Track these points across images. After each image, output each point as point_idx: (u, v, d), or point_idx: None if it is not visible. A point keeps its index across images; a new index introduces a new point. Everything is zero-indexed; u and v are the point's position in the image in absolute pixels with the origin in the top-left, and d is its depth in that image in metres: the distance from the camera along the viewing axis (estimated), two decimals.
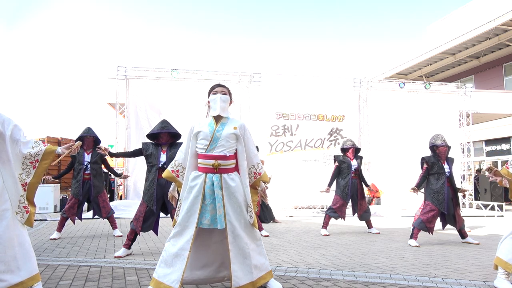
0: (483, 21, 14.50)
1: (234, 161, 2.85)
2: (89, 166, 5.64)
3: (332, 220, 6.22)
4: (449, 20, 18.66)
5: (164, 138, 4.37)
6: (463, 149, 11.38)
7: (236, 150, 2.86)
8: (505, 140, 16.27)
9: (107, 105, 12.03)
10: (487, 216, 9.31)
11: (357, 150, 6.39)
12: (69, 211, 5.51)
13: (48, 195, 9.52)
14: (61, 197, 10.02)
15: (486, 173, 3.42)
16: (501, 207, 10.03)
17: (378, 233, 6.15)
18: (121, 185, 11.31)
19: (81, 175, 5.57)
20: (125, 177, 6.45)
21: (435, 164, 5.20)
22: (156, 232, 4.46)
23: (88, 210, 6.80)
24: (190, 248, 2.62)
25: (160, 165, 4.25)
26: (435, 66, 18.72)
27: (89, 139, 5.72)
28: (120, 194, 11.15)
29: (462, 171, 11.33)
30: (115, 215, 5.94)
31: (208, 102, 2.96)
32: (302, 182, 9.89)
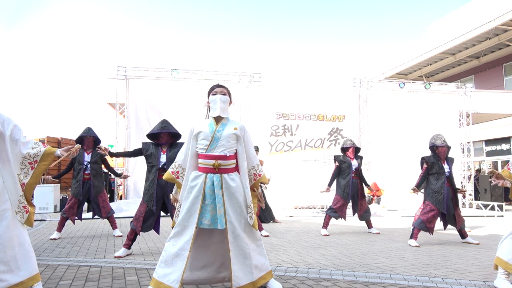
0: (483, 21, 14.50)
1: (234, 161, 2.84)
2: (89, 166, 5.64)
3: (332, 220, 6.22)
4: (449, 20, 18.66)
5: (164, 138, 4.37)
6: (463, 149, 11.38)
7: (236, 151, 2.86)
8: (505, 140, 16.27)
9: (107, 105, 12.03)
10: (487, 216, 9.31)
11: (357, 149, 6.39)
12: (69, 211, 5.51)
13: (48, 195, 9.52)
14: (61, 197, 10.03)
15: (492, 180, 3.41)
16: (501, 207, 10.03)
17: (378, 233, 6.15)
18: (121, 185, 11.32)
19: (81, 175, 5.57)
20: (125, 177, 6.45)
21: (435, 164, 5.20)
22: (157, 231, 4.46)
23: (88, 211, 6.79)
24: (190, 248, 2.62)
25: (160, 166, 4.25)
26: (435, 66, 18.72)
27: (89, 139, 5.72)
28: (120, 194, 11.15)
29: (462, 171, 11.33)
30: (118, 215, 5.94)
31: (208, 102, 2.96)
32: (302, 182, 9.89)
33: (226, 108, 2.90)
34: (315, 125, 10.47)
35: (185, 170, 2.84)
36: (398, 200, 9.94)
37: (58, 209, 9.66)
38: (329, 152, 10.29)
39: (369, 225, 6.31)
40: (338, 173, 6.25)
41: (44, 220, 7.93)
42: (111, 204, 6.53)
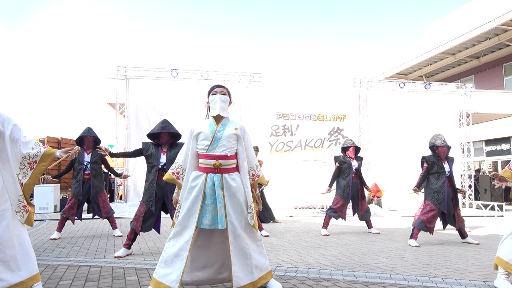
0: (483, 21, 14.50)
1: (235, 161, 2.84)
2: (89, 166, 5.64)
3: (332, 220, 6.22)
4: (449, 20, 18.66)
5: (165, 138, 4.37)
6: (463, 149, 11.38)
7: (236, 151, 2.86)
8: (505, 140, 16.27)
9: (107, 105, 12.03)
10: (487, 216, 9.31)
11: (357, 149, 6.39)
12: (69, 211, 5.51)
13: (48, 195, 9.52)
14: (61, 197, 10.02)
15: (495, 182, 3.41)
16: (501, 207, 10.03)
17: (378, 233, 6.15)
18: (121, 185, 11.32)
19: (81, 175, 5.57)
20: (125, 177, 6.45)
21: (435, 164, 5.20)
22: (158, 231, 4.46)
23: (88, 211, 6.79)
24: (190, 248, 2.62)
25: (160, 166, 4.25)
26: (435, 66, 18.72)
27: (89, 139, 5.71)
28: (120, 194, 11.15)
29: (462, 171, 11.33)
30: (122, 216, 5.93)
31: (208, 102, 2.96)
32: (302, 182, 9.89)
33: (226, 107, 2.90)
34: (315, 125, 10.47)
35: (185, 171, 2.84)
36: (398, 200, 9.94)
37: (58, 209, 9.66)
38: (329, 152, 10.29)
39: (369, 225, 6.31)
40: (338, 174, 6.25)
41: (45, 220, 7.93)
42: (111, 204, 6.53)
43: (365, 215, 6.25)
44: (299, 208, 10.15)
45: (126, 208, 8.86)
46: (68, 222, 6.01)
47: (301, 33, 76.27)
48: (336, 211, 6.05)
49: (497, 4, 14.49)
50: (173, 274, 2.57)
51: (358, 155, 6.43)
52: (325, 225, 6.13)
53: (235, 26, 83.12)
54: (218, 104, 2.85)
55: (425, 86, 11.11)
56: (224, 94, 2.92)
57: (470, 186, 11.40)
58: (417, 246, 4.94)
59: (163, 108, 9.84)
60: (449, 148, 5.29)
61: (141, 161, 7.73)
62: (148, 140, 4.47)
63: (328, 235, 5.93)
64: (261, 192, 7.71)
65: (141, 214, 4.19)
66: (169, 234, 2.75)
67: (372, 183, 9.49)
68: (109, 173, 6.70)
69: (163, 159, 4.27)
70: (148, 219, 4.23)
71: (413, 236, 5.11)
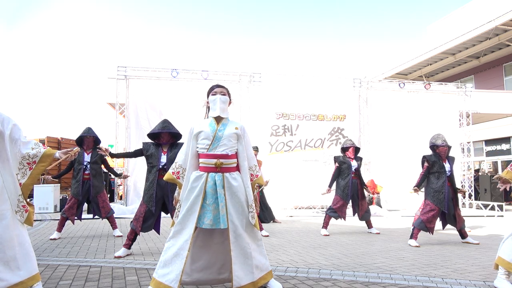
0: (483, 21, 14.50)
1: (235, 160, 2.85)
2: (88, 166, 5.64)
3: (332, 220, 6.22)
4: (449, 20, 18.66)
5: (165, 138, 4.37)
6: (463, 149, 11.38)
7: (237, 150, 2.86)
8: (505, 140, 16.28)
9: (107, 105, 12.02)
10: (487, 216, 9.31)
11: (357, 149, 6.40)
12: (69, 211, 5.51)
13: (48, 195, 9.52)
14: (61, 197, 10.02)
15: (499, 186, 3.41)
16: (501, 207, 10.03)
17: (378, 233, 6.15)
18: (121, 185, 11.32)
19: (80, 175, 5.57)
20: (125, 177, 6.45)
21: (436, 163, 5.20)
22: (158, 231, 4.46)
23: (88, 211, 6.80)
24: (189, 248, 2.62)
25: (160, 166, 4.25)
26: (435, 66, 18.72)
27: (89, 139, 5.71)
28: (120, 194, 11.15)
29: (462, 171, 11.33)
30: (122, 216, 5.93)
31: (207, 102, 2.96)
32: (302, 182, 9.88)
33: (225, 108, 2.90)
34: (315, 125, 10.47)
35: (186, 170, 2.84)
36: (398, 200, 9.94)
37: (58, 209, 9.66)
38: (329, 152, 10.29)
39: (369, 225, 6.31)
40: (338, 174, 6.25)
41: (44, 220, 7.93)
42: (111, 204, 6.52)
43: (365, 215, 6.25)
44: (299, 208, 10.15)
45: (126, 211, 8.84)
46: (68, 222, 6.01)
47: (301, 33, 76.29)
48: (336, 211, 6.05)
49: (497, 4, 14.49)
50: (172, 273, 2.57)
51: (358, 155, 6.43)
52: (325, 225, 6.13)
53: (235, 26, 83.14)
54: (218, 105, 2.85)
55: (425, 86, 11.11)
56: (224, 95, 2.92)
57: (470, 186, 11.40)
58: (417, 246, 4.94)
59: (163, 108, 9.83)
60: (449, 147, 5.29)
61: (141, 161, 7.73)
62: (149, 140, 4.47)
63: (328, 235, 5.93)
64: (261, 192, 7.71)
65: (141, 214, 4.19)
66: (169, 234, 2.75)
67: (369, 179, 9.49)
68: (109, 173, 6.70)
69: (163, 159, 4.27)
70: (148, 219, 4.23)
71: (413, 236, 5.11)
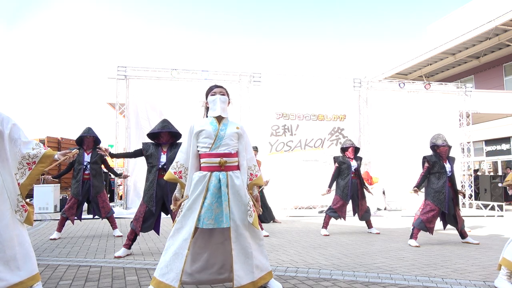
0: (483, 21, 14.51)
1: (237, 159, 2.85)
2: (88, 166, 5.64)
3: (332, 220, 6.22)
4: (449, 20, 18.67)
5: (165, 137, 4.37)
6: (463, 149, 11.38)
7: (237, 150, 2.86)
8: (505, 140, 16.28)
9: (107, 105, 12.02)
10: (487, 216, 9.31)
11: (356, 149, 6.40)
12: (69, 211, 5.51)
13: (48, 195, 9.52)
14: (61, 197, 10.03)
15: (509, 191, 3.41)
16: (501, 207, 10.04)
17: (378, 233, 6.15)
18: (121, 185, 11.32)
19: (80, 175, 5.57)
20: (125, 177, 6.45)
21: (437, 163, 5.20)
22: (157, 231, 4.46)
23: (88, 212, 6.80)
24: (189, 247, 2.62)
25: (160, 166, 4.25)
26: (435, 66, 18.73)
27: (89, 139, 5.71)
28: (120, 194, 11.15)
29: (462, 171, 11.33)
30: (122, 216, 5.92)
31: (206, 103, 2.96)
32: (302, 182, 9.88)
33: (225, 108, 2.90)
34: (315, 125, 10.47)
35: (188, 170, 2.81)
36: (398, 200, 9.94)
37: (58, 209, 9.66)
38: (329, 152, 10.29)
39: (369, 225, 6.31)
40: (337, 174, 6.25)
41: (44, 220, 7.93)
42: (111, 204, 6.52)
43: (365, 215, 6.25)
44: (299, 208, 10.15)
45: (125, 213, 8.84)
46: (68, 222, 6.01)
47: (301, 33, 76.29)
48: (336, 211, 6.05)
49: (497, 4, 14.49)
50: (173, 272, 2.57)
51: (357, 155, 6.43)
52: (325, 225, 6.13)
53: (235, 26, 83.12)
54: (218, 105, 2.85)
55: (425, 86, 11.11)
56: (223, 94, 2.92)
57: (470, 186, 11.40)
58: (417, 246, 4.94)
59: (163, 108, 9.83)
60: (450, 147, 5.29)
61: (141, 161, 7.73)
62: (148, 140, 4.47)
63: (328, 235, 5.93)
64: (261, 192, 7.71)
65: (141, 214, 4.19)
66: (169, 234, 2.75)
67: (364, 171, 9.44)
68: (109, 173, 6.70)
69: (163, 158, 4.27)
70: (148, 220, 4.23)
71: (413, 236, 5.11)
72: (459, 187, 7.62)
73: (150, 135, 4.40)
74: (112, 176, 7.50)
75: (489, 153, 17.31)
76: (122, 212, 8.84)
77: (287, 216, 8.95)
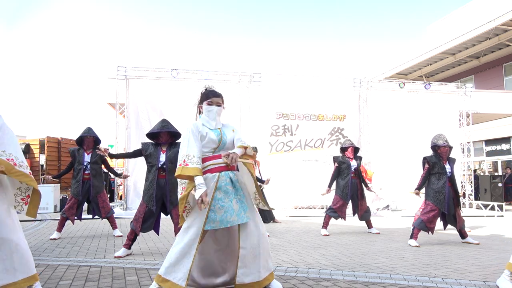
0: (483, 21, 14.51)
1: None
2: (88, 166, 5.64)
3: (332, 220, 6.22)
4: (449, 20, 18.67)
5: (164, 137, 4.37)
6: (463, 149, 11.38)
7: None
8: (505, 140, 16.28)
9: (107, 105, 12.03)
10: (487, 216, 9.31)
11: (356, 149, 6.40)
12: (69, 211, 5.51)
13: (48, 195, 9.52)
14: (61, 197, 10.03)
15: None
16: (501, 207, 10.04)
17: (378, 233, 6.15)
18: (121, 185, 11.32)
19: (80, 175, 5.57)
20: (125, 177, 6.45)
21: (437, 164, 5.20)
22: (157, 232, 4.46)
23: (88, 212, 6.80)
24: (197, 247, 2.62)
25: (159, 165, 4.25)
26: (435, 66, 18.73)
27: (89, 139, 5.71)
28: (120, 194, 11.16)
29: (462, 171, 11.33)
30: (122, 216, 5.91)
31: (200, 107, 2.97)
32: (302, 182, 9.89)
33: (219, 119, 2.96)
34: (315, 125, 10.47)
35: (195, 157, 2.66)
36: (398, 200, 9.93)
37: (58, 209, 9.66)
38: (329, 152, 10.29)
39: (369, 225, 6.32)
40: (337, 174, 6.26)
41: (44, 220, 7.93)
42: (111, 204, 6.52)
43: (365, 215, 6.25)
44: (299, 208, 10.15)
45: (125, 215, 8.83)
46: (68, 222, 6.01)
47: (301, 33, 76.26)
48: (335, 211, 6.05)
49: (497, 4, 14.49)
50: (180, 272, 2.56)
51: (357, 154, 6.43)
52: (325, 225, 6.13)
53: (235, 26, 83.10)
54: (216, 118, 2.90)
55: (425, 86, 11.11)
56: (219, 105, 2.94)
57: (470, 186, 11.40)
58: (417, 246, 4.94)
59: (163, 108, 9.83)
60: (451, 148, 5.28)
61: (141, 161, 7.72)
62: (148, 140, 4.47)
63: (328, 235, 5.93)
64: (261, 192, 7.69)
65: (140, 214, 4.19)
66: (169, 234, 2.74)
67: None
68: (109, 173, 6.70)
69: (162, 158, 4.27)
70: (148, 220, 4.23)
71: (413, 236, 5.11)
72: (459, 188, 7.61)
73: (149, 135, 4.40)
74: (112, 176, 7.49)
75: (489, 153, 17.31)
76: (121, 213, 8.84)
77: (287, 216, 8.95)
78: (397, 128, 10.73)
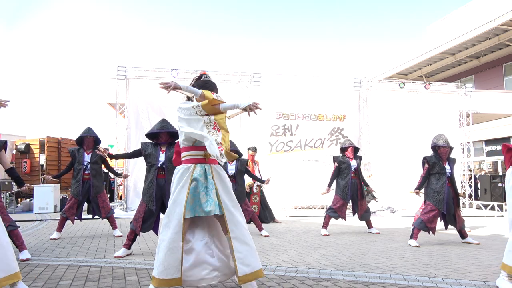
0: (483, 21, 14.51)
1: None
2: (89, 166, 5.64)
3: (332, 220, 6.22)
4: (449, 20, 18.67)
5: (164, 137, 4.37)
6: (463, 149, 11.38)
7: None
8: (505, 140, 16.27)
9: (107, 105, 12.03)
10: (487, 216, 9.31)
11: (356, 149, 6.40)
12: (69, 211, 5.51)
13: (48, 195, 9.52)
14: (61, 197, 10.02)
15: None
16: (501, 207, 10.03)
17: (378, 233, 6.15)
18: (121, 185, 11.32)
19: (80, 175, 5.57)
20: (125, 176, 6.45)
21: (436, 164, 5.20)
22: (156, 232, 4.46)
23: (88, 212, 6.80)
24: (182, 239, 2.64)
25: (159, 165, 4.25)
26: (435, 66, 18.72)
27: (89, 139, 5.71)
28: (120, 194, 11.16)
29: (462, 171, 11.33)
30: (122, 216, 5.91)
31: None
32: (302, 182, 9.88)
33: None
34: (315, 125, 10.47)
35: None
36: (398, 200, 9.93)
37: (58, 209, 9.66)
38: (329, 152, 10.28)
39: (369, 225, 6.32)
40: (337, 174, 6.26)
41: (44, 220, 7.93)
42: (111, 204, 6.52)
43: (365, 215, 6.25)
44: (299, 208, 10.15)
45: (123, 214, 8.83)
46: (68, 222, 6.01)
47: (301, 33, 76.27)
48: (335, 211, 6.05)
49: (497, 4, 14.49)
50: (172, 267, 2.59)
51: (357, 154, 6.43)
52: (325, 225, 6.13)
53: (235, 26, 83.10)
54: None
55: (425, 86, 11.11)
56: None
57: (470, 186, 11.41)
58: (417, 246, 4.94)
59: (163, 108, 9.82)
60: (451, 148, 5.28)
61: (141, 161, 7.70)
62: (147, 140, 4.47)
63: (328, 235, 5.93)
64: (261, 192, 7.72)
65: (140, 214, 4.19)
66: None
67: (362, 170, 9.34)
68: (109, 173, 6.70)
69: (162, 158, 4.27)
70: (147, 219, 4.23)
71: (413, 236, 5.11)
72: (459, 187, 7.61)
73: (149, 135, 4.41)
74: (112, 176, 7.49)
75: (489, 153, 17.31)
76: (120, 213, 8.83)
77: (287, 216, 8.95)
78: (397, 128, 10.72)
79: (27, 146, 11.20)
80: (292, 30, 75.09)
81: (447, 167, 5.20)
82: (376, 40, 68.67)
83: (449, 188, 5.14)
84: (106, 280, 3.24)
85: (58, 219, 5.89)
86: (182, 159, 2.83)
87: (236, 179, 5.90)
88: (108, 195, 9.54)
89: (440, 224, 5.41)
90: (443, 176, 5.14)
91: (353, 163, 6.22)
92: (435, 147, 5.30)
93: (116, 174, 6.17)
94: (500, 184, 10.67)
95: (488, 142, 17.21)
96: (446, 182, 5.11)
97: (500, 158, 16.56)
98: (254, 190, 7.50)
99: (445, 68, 19.09)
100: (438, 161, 5.20)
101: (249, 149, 7.58)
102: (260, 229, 5.96)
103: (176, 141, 4.42)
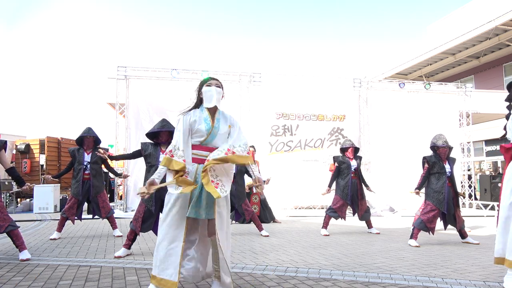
0: (483, 21, 14.51)
1: None
2: (89, 166, 5.64)
3: (332, 220, 6.22)
4: (449, 20, 18.67)
5: (164, 137, 4.36)
6: (463, 149, 11.38)
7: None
8: (505, 140, 16.26)
9: (107, 105, 12.03)
10: (487, 216, 9.31)
11: (356, 149, 6.40)
12: (69, 211, 5.51)
13: (48, 195, 9.52)
14: (61, 197, 10.03)
15: None
16: None
17: (378, 233, 6.15)
18: (121, 185, 11.32)
19: (80, 175, 5.57)
20: (125, 176, 6.45)
21: (436, 164, 5.20)
22: (156, 232, 4.45)
23: (88, 212, 6.80)
24: (184, 239, 2.63)
25: (159, 165, 4.24)
26: (435, 66, 18.72)
27: (89, 139, 5.71)
28: (120, 194, 11.16)
29: (462, 171, 11.32)
30: (122, 216, 5.91)
31: (200, 94, 2.94)
32: (302, 182, 9.88)
33: (220, 99, 2.91)
34: (315, 125, 10.47)
35: (180, 150, 2.74)
36: (398, 200, 9.93)
37: (58, 209, 9.66)
38: (329, 152, 10.29)
39: (369, 225, 6.32)
40: (337, 174, 6.26)
41: (44, 220, 7.93)
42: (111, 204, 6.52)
43: (365, 215, 6.25)
44: (299, 208, 10.15)
45: (123, 214, 8.83)
46: (68, 222, 6.01)
47: (301, 33, 76.24)
48: (335, 211, 6.05)
49: (497, 4, 14.49)
50: (171, 267, 2.59)
51: (357, 154, 6.43)
52: (325, 225, 6.13)
53: (235, 26, 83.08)
54: (214, 96, 2.86)
55: (425, 86, 11.11)
56: (218, 87, 2.93)
57: (470, 186, 11.41)
58: (417, 246, 4.94)
59: (163, 108, 9.82)
60: (450, 148, 5.28)
61: (141, 161, 7.69)
62: (147, 140, 4.47)
63: (328, 235, 5.93)
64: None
65: (140, 214, 4.19)
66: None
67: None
68: (109, 173, 6.70)
69: (162, 158, 4.26)
70: (147, 219, 4.23)
71: (413, 236, 5.11)
72: (458, 187, 7.61)
73: (149, 135, 4.40)
74: (112, 176, 7.49)
75: (489, 153, 17.30)
76: (120, 213, 8.84)
77: (287, 216, 8.95)
78: (397, 128, 10.72)
79: (27, 146, 11.21)
80: (292, 30, 75.08)
81: (447, 166, 5.20)
82: (376, 40, 68.67)
83: (449, 188, 5.14)
84: (106, 280, 3.24)
85: (58, 219, 5.89)
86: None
87: (236, 179, 5.90)
88: (108, 195, 9.54)
89: (439, 224, 5.41)
90: (443, 176, 5.14)
91: (353, 163, 6.21)
92: (434, 147, 5.30)
93: (116, 174, 6.17)
94: (500, 184, 10.67)
95: (488, 142, 17.20)
96: (446, 182, 5.11)
97: (500, 158, 16.56)
98: (254, 190, 7.50)
99: (445, 68, 19.08)
100: (438, 160, 5.21)
101: None
102: (260, 229, 5.96)
103: None
